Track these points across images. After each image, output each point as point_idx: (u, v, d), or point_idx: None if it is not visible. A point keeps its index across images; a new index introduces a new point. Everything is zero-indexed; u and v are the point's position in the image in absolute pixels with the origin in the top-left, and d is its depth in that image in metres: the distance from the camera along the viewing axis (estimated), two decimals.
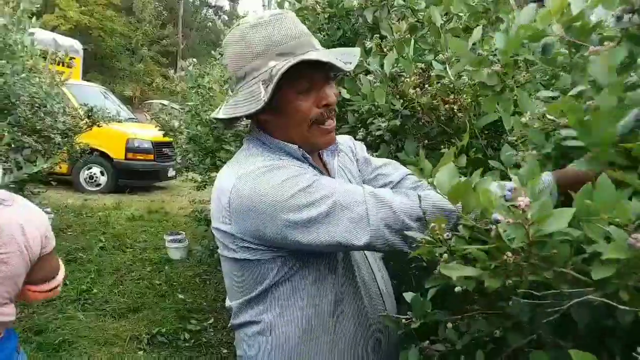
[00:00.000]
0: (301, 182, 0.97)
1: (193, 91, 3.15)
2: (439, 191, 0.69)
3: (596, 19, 0.96)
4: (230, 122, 1.14)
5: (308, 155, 1.10)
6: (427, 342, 0.99)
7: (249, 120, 1.18)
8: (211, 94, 2.64)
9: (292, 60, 0.99)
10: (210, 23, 38.41)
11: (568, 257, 0.62)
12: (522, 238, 0.57)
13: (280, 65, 0.98)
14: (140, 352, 3.31)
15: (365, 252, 1.18)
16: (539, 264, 0.60)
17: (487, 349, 0.94)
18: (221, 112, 1.08)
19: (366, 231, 0.93)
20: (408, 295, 1.01)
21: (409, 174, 1.22)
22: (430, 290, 0.90)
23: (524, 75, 1.07)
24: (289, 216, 0.95)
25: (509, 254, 0.58)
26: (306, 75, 1.03)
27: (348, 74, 1.47)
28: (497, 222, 0.59)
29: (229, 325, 1.24)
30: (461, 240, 0.74)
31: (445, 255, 0.70)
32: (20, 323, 3.51)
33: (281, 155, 1.08)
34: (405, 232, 0.89)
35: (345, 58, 1.05)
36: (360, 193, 0.96)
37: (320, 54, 1.04)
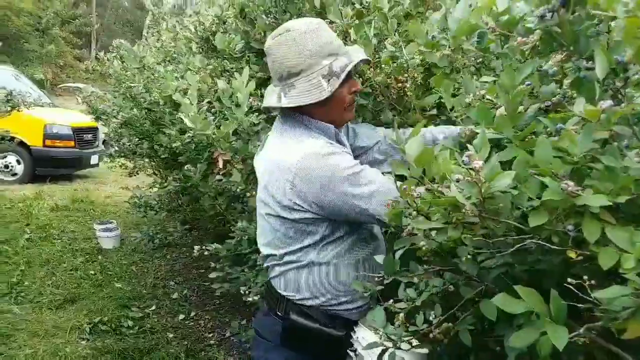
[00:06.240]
0: (354, 167, 1.26)
1: (130, 72, 3.07)
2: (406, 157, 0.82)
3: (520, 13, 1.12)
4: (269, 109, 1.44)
5: (339, 132, 1.39)
6: (391, 301, 1.12)
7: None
8: (159, 75, 2.60)
9: (352, 61, 1.30)
10: (125, 2, 36.49)
11: (510, 210, 0.77)
12: (476, 194, 0.71)
13: (341, 64, 1.29)
14: (84, 342, 3.25)
15: None
16: (488, 217, 0.74)
17: (443, 303, 1.09)
18: (285, 101, 1.31)
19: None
20: (379, 258, 1.13)
21: (378, 141, 1.56)
22: (399, 250, 1.03)
23: (470, 59, 1.22)
24: (345, 189, 1.24)
25: (467, 207, 0.71)
26: None
27: None
28: (457, 181, 0.72)
29: (264, 266, 1.53)
30: (425, 202, 0.86)
31: (414, 213, 0.83)
32: None
33: (320, 134, 1.36)
34: None
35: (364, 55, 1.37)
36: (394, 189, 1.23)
37: (362, 52, 1.35)
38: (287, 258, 1.40)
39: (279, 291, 1.43)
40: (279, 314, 1.42)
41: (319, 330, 1.38)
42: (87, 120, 7.81)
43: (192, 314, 3.79)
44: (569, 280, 0.72)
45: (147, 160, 4.58)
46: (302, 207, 1.30)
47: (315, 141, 1.32)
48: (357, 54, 1.34)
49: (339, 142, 1.41)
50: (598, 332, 0.77)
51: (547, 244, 0.75)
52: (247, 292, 1.97)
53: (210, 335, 3.49)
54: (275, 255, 1.42)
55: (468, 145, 0.77)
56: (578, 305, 0.72)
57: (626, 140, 0.83)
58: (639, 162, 0.77)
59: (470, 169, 0.71)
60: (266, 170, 1.37)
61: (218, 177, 2.04)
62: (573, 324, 0.76)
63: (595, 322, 0.73)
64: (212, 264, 2.18)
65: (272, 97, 1.36)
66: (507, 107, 0.91)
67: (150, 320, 3.68)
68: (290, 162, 1.28)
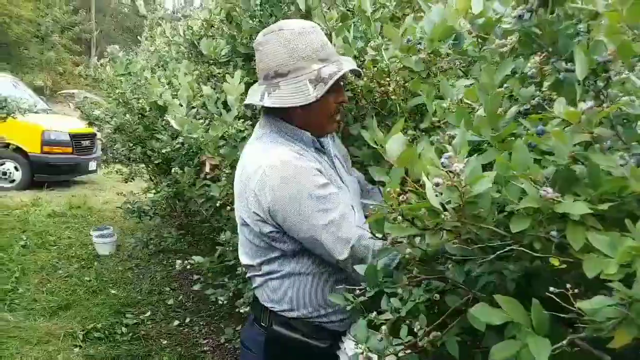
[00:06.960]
0: (322, 188, 1.21)
1: (122, 78, 3.05)
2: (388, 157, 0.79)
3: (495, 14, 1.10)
4: (249, 105, 1.36)
5: (316, 140, 1.35)
6: (375, 313, 1.08)
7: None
8: (145, 82, 2.57)
9: (342, 70, 1.26)
10: (125, 9, 36.59)
11: (492, 215, 0.73)
12: (456, 199, 0.67)
13: (330, 71, 1.25)
14: (77, 349, 3.22)
15: None
16: (469, 222, 0.71)
17: (428, 313, 1.05)
18: (268, 101, 1.27)
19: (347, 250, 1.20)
20: (360, 268, 1.09)
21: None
22: (381, 260, 0.99)
23: (446, 62, 1.19)
24: (307, 209, 1.20)
25: (446, 213, 0.68)
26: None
27: None
28: (437, 185, 0.68)
29: (247, 276, 1.48)
30: (410, 207, 0.83)
31: (400, 218, 0.79)
32: None
33: (297, 142, 1.32)
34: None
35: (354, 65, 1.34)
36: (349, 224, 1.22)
37: (352, 63, 1.33)
38: (265, 268, 1.35)
39: (262, 302, 1.39)
40: (263, 324, 1.38)
41: (302, 342, 1.33)
42: (85, 127, 7.80)
43: (187, 320, 3.76)
44: (551, 289, 0.69)
45: (142, 165, 4.56)
46: (261, 218, 1.25)
47: (288, 150, 1.27)
48: (349, 64, 1.31)
49: (318, 149, 1.37)
50: (589, 341, 0.73)
51: (529, 251, 0.72)
52: (242, 303, 1.94)
53: (205, 341, 3.46)
54: (253, 265, 1.38)
55: (447, 147, 0.74)
56: (561, 315, 0.69)
57: (609, 142, 0.80)
58: (623, 165, 0.74)
59: (450, 171, 0.68)
60: (241, 175, 1.33)
61: (205, 181, 2.01)
62: (564, 332, 0.73)
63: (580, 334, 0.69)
64: (196, 276, 2.15)
65: (256, 96, 1.31)
66: (486, 107, 0.88)
67: (144, 326, 3.65)
68: (257, 171, 1.24)
